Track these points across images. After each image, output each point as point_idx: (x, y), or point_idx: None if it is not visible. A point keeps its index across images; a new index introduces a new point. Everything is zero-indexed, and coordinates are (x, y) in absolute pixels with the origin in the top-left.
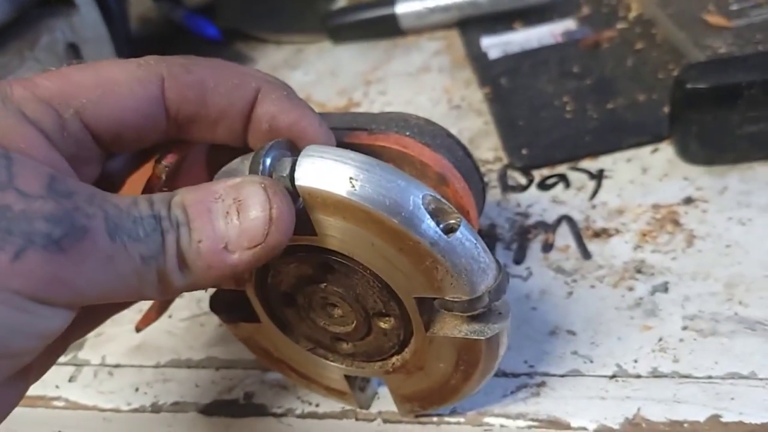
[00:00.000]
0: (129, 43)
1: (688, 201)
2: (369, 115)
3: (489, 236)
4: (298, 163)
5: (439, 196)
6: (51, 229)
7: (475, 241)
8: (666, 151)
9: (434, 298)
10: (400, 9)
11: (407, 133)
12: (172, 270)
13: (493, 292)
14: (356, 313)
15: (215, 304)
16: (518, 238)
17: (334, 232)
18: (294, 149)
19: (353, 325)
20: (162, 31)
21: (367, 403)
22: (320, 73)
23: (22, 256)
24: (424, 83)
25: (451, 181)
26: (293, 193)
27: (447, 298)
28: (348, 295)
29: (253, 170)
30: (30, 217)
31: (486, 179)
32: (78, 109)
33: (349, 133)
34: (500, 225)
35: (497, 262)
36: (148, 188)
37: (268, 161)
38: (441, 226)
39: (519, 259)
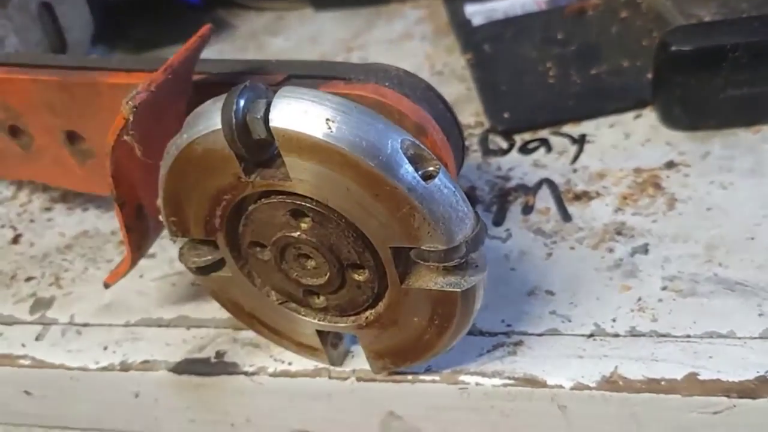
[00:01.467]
0: (106, 5)
1: (670, 165)
2: (347, 64)
3: (469, 198)
4: (273, 104)
5: (417, 142)
6: None
7: (453, 189)
8: (649, 117)
9: (410, 249)
10: None
11: (386, 84)
12: None
13: (470, 242)
14: (329, 264)
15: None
16: (498, 201)
17: (308, 176)
18: (270, 92)
19: (326, 277)
20: None
21: (340, 360)
22: (301, 40)
23: None
24: (406, 50)
25: (429, 132)
26: (268, 135)
27: (423, 248)
28: (321, 244)
29: (225, 111)
30: None
31: (467, 143)
32: None
33: (325, 82)
34: (480, 188)
35: (475, 212)
36: (118, 131)
37: (242, 102)
38: (419, 172)
39: (498, 221)
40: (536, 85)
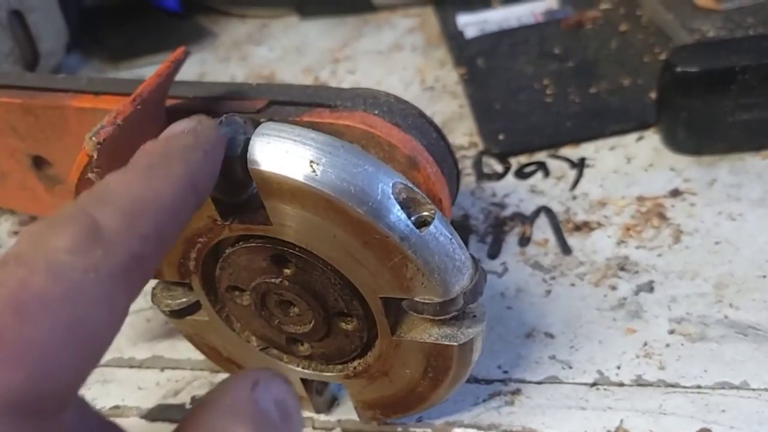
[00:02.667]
0: (81, 13)
1: (675, 193)
2: (333, 89)
3: (462, 228)
4: (251, 142)
5: (411, 185)
6: None
7: (450, 236)
8: (652, 139)
9: (402, 299)
10: None
11: (375, 112)
12: None
13: (468, 293)
14: (314, 311)
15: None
16: (493, 231)
17: (291, 221)
18: (249, 127)
19: (311, 324)
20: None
21: (325, 408)
22: (286, 50)
23: None
24: (395, 62)
25: (422, 165)
26: (245, 176)
27: (417, 299)
28: (305, 292)
29: None
30: None
31: (460, 166)
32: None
33: (309, 109)
34: (474, 216)
35: (474, 259)
36: (82, 168)
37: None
38: (412, 218)
39: (494, 254)
40: (533, 104)
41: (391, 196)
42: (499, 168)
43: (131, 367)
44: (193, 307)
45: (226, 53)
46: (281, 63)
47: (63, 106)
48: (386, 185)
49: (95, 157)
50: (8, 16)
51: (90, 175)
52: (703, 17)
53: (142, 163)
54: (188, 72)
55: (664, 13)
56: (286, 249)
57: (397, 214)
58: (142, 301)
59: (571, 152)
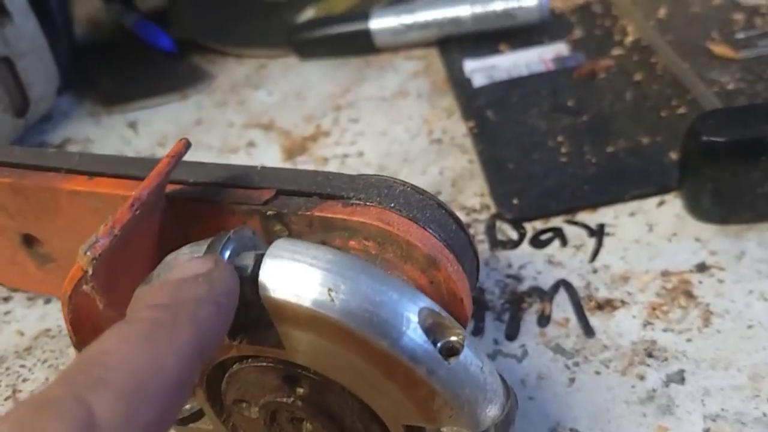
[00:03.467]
0: (73, 52)
1: (702, 268)
2: (345, 177)
3: (478, 304)
4: (263, 264)
5: (437, 308)
6: None
7: (481, 365)
8: (673, 204)
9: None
10: (374, 24)
11: (391, 205)
12: None
13: (500, 425)
14: (329, 431)
15: None
16: (511, 308)
17: (305, 347)
18: (259, 242)
19: None
20: (111, 38)
21: None
22: (285, 94)
23: None
24: (400, 110)
25: (442, 264)
26: (255, 298)
27: (443, 429)
28: (320, 413)
29: None
30: None
31: (472, 231)
32: None
33: (321, 202)
34: (489, 290)
35: (505, 385)
36: (76, 282)
37: (227, 255)
38: (439, 345)
39: (512, 335)
40: (547, 164)
41: (417, 326)
42: (513, 234)
43: None
44: (197, 416)
45: (223, 97)
46: (281, 109)
47: (54, 188)
48: (412, 313)
49: (89, 272)
50: None
51: (84, 287)
52: (721, 67)
53: (146, 320)
54: (184, 117)
55: (680, 63)
56: (299, 371)
57: (424, 345)
58: None
59: (589, 218)
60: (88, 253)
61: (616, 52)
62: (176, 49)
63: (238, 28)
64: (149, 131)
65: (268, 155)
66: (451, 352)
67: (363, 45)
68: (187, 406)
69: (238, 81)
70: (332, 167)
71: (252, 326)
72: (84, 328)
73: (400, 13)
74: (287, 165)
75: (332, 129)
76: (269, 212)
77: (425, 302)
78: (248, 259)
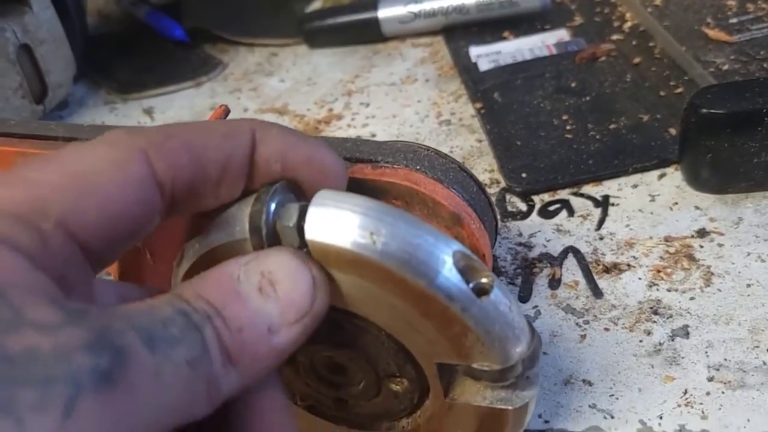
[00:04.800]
0: (87, 42)
1: (702, 233)
2: (373, 143)
3: (492, 269)
4: (308, 212)
5: (468, 252)
6: (96, 361)
7: (509, 304)
8: (674, 176)
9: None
10: (382, 13)
11: (417, 167)
12: (219, 371)
13: (527, 360)
14: (365, 374)
15: None
16: (523, 273)
17: (347, 289)
18: (299, 193)
19: (361, 386)
20: (123, 29)
21: None
22: (297, 81)
23: (75, 410)
24: (409, 95)
25: (466, 221)
26: (302, 245)
27: (474, 366)
28: (358, 356)
29: (254, 219)
30: (66, 352)
31: None
32: (58, 217)
33: (350, 165)
34: (502, 257)
35: (530, 325)
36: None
37: (272, 207)
38: (471, 285)
39: (526, 297)
40: (553, 141)
41: (453, 267)
42: (523, 206)
43: None
44: None
45: (237, 84)
46: (294, 94)
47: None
48: (447, 254)
49: None
50: (16, 51)
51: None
52: (716, 50)
53: None
54: (199, 104)
55: (677, 46)
56: (339, 315)
57: (458, 284)
58: None
59: (594, 190)
60: None
61: (616, 37)
62: (189, 39)
63: (248, 18)
64: (165, 117)
65: None
66: (482, 291)
67: (371, 33)
68: None
69: (250, 69)
70: None
71: None
72: (130, 277)
73: (407, 2)
74: None
75: (344, 112)
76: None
77: (458, 246)
78: (293, 209)
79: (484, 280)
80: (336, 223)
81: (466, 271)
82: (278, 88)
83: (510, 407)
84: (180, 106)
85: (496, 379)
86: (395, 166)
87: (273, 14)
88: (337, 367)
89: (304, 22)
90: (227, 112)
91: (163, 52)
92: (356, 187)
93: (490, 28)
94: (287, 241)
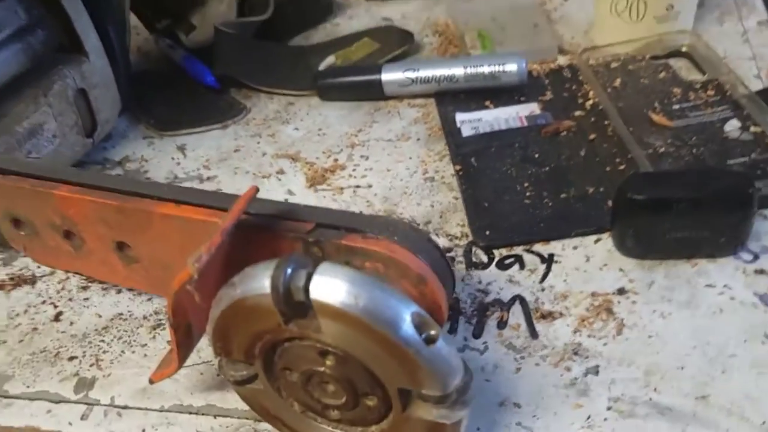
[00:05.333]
0: (129, 80)
1: (621, 291)
2: (365, 217)
3: (453, 310)
4: (313, 279)
5: (422, 312)
6: None
7: (449, 349)
8: (607, 241)
9: (412, 390)
10: (385, 76)
11: (395, 239)
12: None
13: (460, 389)
14: (346, 391)
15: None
16: (478, 314)
17: (336, 332)
18: (308, 262)
19: (342, 399)
20: (160, 67)
21: None
22: (309, 130)
23: None
24: (402, 151)
25: (429, 281)
26: (307, 300)
27: (423, 391)
28: (341, 378)
29: (275, 280)
30: None
31: (453, 254)
32: None
33: (347, 234)
34: (463, 300)
35: (465, 364)
36: (182, 282)
37: (288, 272)
38: (423, 336)
39: (478, 334)
40: (514, 204)
41: (410, 322)
42: (484, 258)
43: (190, 413)
44: (252, 378)
45: (257, 129)
46: (306, 143)
47: (150, 212)
48: (407, 314)
49: (195, 277)
50: (74, 94)
51: (188, 287)
52: (657, 133)
53: None
54: (224, 144)
55: (624, 127)
56: (330, 349)
57: (414, 335)
58: (195, 357)
59: (543, 248)
60: (196, 264)
61: (578, 113)
62: (218, 85)
63: (270, 69)
64: (195, 154)
65: (295, 182)
66: (431, 340)
67: (374, 92)
68: (245, 372)
69: (269, 115)
70: (346, 196)
71: (300, 316)
72: (179, 314)
73: (405, 68)
74: (311, 192)
75: (347, 163)
76: (310, 239)
77: (415, 308)
78: (303, 275)
79: (432, 332)
80: (331, 288)
81: (419, 326)
82: (293, 135)
83: (447, 422)
84: (209, 145)
85: (439, 401)
86: (378, 237)
87: (292, 68)
88: (326, 384)
89: (318, 77)
90: (257, 191)
91: (195, 93)
92: (349, 252)
93: (475, 96)
94: (297, 296)
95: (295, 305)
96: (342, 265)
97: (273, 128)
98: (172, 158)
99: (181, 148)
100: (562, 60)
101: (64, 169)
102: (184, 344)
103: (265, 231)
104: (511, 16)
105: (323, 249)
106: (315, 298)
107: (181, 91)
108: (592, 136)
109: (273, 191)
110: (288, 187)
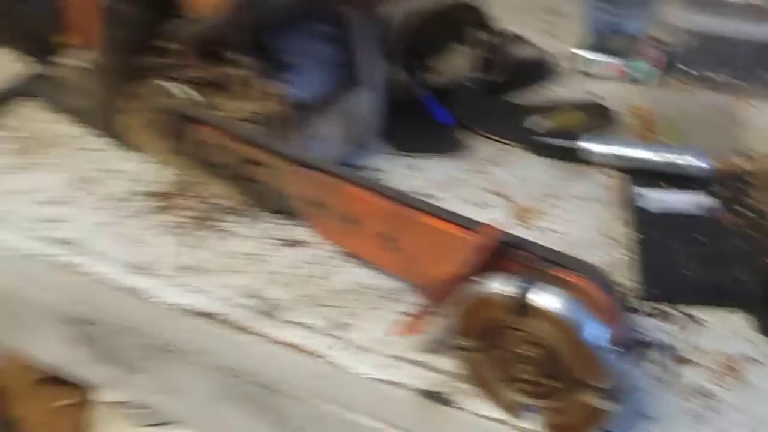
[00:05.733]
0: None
1: (752, 360)
2: (567, 256)
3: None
4: (531, 293)
5: (611, 331)
6: None
7: (620, 362)
8: (750, 319)
9: None
10: (588, 145)
11: (585, 275)
12: None
13: (619, 389)
14: (540, 371)
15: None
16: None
17: (545, 331)
18: (533, 280)
19: (536, 376)
20: (403, 96)
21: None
22: (515, 175)
23: None
24: (591, 212)
25: (614, 313)
26: (524, 310)
27: (595, 384)
28: (539, 362)
29: (512, 286)
30: None
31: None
32: None
33: (553, 266)
34: None
35: (625, 374)
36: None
37: (522, 284)
38: (610, 349)
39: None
40: (678, 275)
41: (603, 337)
42: (647, 309)
43: (411, 363)
44: (472, 348)
45: (474, 166)
46: (510, 187)
47: (421, 222)
48: (603, 331)
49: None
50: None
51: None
52: None
53: None
54: (446, 173)
55: None
56: (538, 341)
57: (605, 345)
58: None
59: (692, 310)
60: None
61: (750, 214)
62: (449, 120)
63: (490, 118)
64: (422, 176)
65: (500, 215)
66: (612, 353)
67: (575, 156)
68: (468, 343)
69: (484, 157)
70: (539, 234)
71: (522, 316)
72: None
73: (607, 142)
74: (514, 226)
75: (543, 208)
76: (534, 265)
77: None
78: (531, 288)
79: (615, 347)
80: (548, 299)
81: (609, 341)
82: (502, 177)
83: (607, 409)
84: (434, 171)
85: (603, 393)
86: (572, 272)
87: (508, 120)
88: (526, 365)
89: (529, 132)
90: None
91: (428, 124)
92: (556, 279)
93: (660, 178)
94: (523, 301)
95: (521, 306)
96: (555, 287)
97: (486, 168)
98: (403, 175)
99: (411, 167)
100: (742, 162)
101: (351, 171)
102: (426, 318)
103: (500, 253)
104: (703, 112)
105: (539, 273)
106: (536, 304)
107: (417, 121)
108: (755, 234)
109: (483, 219)
110: (495, 217)
